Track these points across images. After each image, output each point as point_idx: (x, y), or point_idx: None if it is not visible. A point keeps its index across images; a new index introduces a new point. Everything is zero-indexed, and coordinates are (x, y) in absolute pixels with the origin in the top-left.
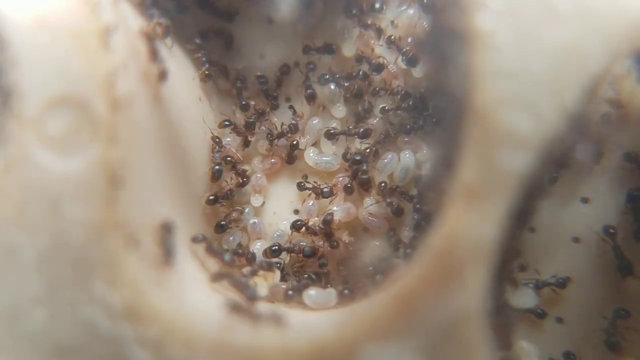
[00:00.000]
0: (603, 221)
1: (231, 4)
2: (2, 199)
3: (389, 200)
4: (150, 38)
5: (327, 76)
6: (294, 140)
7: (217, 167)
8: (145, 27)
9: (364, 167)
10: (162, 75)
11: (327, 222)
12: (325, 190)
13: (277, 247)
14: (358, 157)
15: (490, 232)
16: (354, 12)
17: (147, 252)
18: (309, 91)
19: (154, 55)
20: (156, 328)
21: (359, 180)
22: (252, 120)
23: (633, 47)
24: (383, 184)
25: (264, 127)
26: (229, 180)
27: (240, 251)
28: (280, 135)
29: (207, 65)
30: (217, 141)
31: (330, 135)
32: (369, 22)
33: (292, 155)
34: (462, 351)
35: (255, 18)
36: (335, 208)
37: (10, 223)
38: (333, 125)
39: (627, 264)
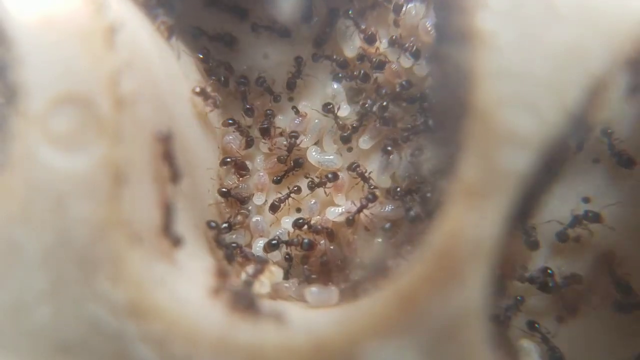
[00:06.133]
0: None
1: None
2: (7, 197)
3: (405, 203)
4: None
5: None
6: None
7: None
8: None
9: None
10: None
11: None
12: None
13: (276, 241)
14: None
15: (491, 231)
16: (350, 13)
17: (150, 250)
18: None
19: None
20: (159, 325)
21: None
22: (265, 126)
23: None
24: (397, 189)
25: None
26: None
27: (234, 245)
28: (291, 147)
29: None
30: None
31: (346, 140)
32: (363, 26)
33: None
34: (462, 349)
35: (259, 19)
36: (338, 210)
37: (15, 220)
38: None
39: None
